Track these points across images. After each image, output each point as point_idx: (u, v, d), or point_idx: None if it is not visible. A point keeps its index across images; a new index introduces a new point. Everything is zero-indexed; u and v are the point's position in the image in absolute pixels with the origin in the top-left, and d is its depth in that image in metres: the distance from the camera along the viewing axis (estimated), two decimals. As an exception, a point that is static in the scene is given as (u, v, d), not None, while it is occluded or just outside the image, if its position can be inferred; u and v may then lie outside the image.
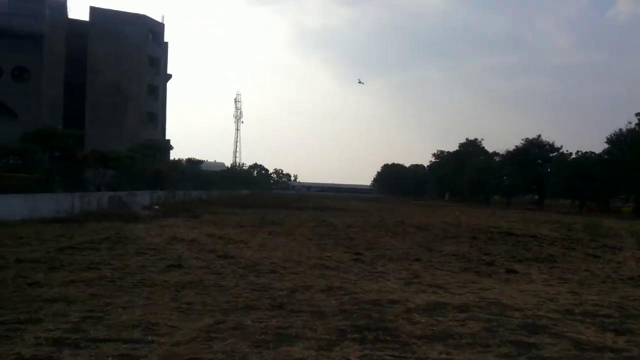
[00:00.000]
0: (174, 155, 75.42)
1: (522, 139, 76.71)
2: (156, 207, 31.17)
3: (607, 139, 56.61)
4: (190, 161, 64.37)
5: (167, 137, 76.23)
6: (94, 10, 61.97)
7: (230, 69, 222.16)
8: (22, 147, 21.97)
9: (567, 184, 63.28)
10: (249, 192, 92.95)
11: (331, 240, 16.26)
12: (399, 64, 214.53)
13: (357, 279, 9.38)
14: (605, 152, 58.56)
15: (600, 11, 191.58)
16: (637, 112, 49.49)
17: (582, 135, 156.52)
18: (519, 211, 53.10)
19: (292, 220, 24.98)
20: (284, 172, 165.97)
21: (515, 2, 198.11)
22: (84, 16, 61.75)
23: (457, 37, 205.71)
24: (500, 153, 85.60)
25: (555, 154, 73.65)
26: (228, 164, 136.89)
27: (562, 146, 73.18)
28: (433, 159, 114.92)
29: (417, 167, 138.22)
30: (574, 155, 68.23)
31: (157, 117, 69.42)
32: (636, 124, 50.73)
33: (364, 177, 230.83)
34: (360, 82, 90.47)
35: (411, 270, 10.71)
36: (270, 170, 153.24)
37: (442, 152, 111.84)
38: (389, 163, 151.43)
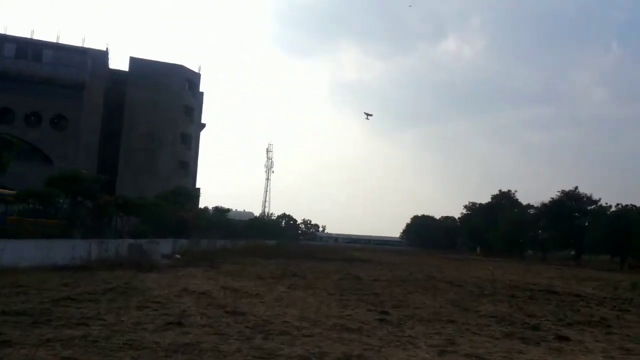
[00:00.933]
0: (203, 203, 75.45)
1: (558, 191, 74.25)
2: (177, 255, 30.34)
3: (650, 191, 54.01)
4: (217, 210, 63.98)
5: (197, 186, 76.64)
6: (133, 61, 63.92)
7: (264, 119, 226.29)
8: (43, 190, 21.63)
9: (607, 238, 60.21)
10: (276, 242, 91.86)
11: (355, 295, 14.91)
12: (431, 116, 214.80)
13: (381, 344, 8.09)
14: (648, 205, 55.82)
15: (635, 64, 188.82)
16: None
17: (620, 189, 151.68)
18: (556, 267, 50.33)
19: (316, 272, 23.69)
20: (312, 222, 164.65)
21: (549, 55, 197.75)
22: (124, 65, 63.65)
23: (490, 89, 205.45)
24: (535, 205, 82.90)
25: (593, 206, 70.75)
26: (257, 213, 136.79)
27: (600, 199, 70.44)
28: (464, 211, 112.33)
29: (447, 219, 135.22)
30: (613, 209, 65.31)
31: (189, 165, 69.97)
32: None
33: (393, 228, 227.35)
34: (367, 116, 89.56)
35: (445, 335, 9.34)
36: (299, 221, 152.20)
37: (474, 204, 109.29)
38: (419, 215, 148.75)
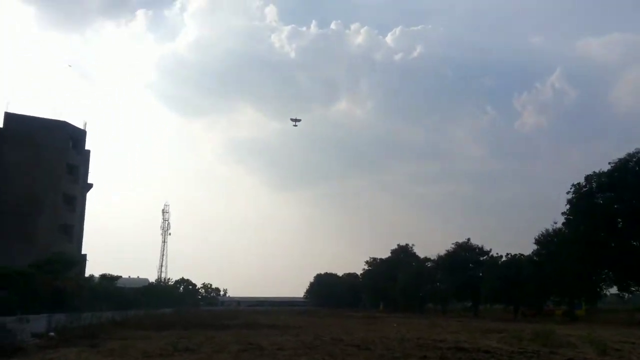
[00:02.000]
0: (91, 271, 68.81)
1: (453, 243, 77.24)
2: (52, 334, 26.33)
3: (536, 239, 57.57)
4: (104, 278, 58.44)
5: (83, 252, 70.18)
6: (9, 117, 58.58)
7: (159, 179, 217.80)
8: None
9: (500, 288, 62.92)
10: (174, 309, 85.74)
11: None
12: (327, 174, 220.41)
13: None
14: (534, 253, 59.31)
15: (506, 123, 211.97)
16: (562, 211, 50.81)
17: (508, 238, 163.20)
18: (457, 320, 51.22)
19: (213, 343, 21.37)
20: (213, 286, 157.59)
21: (431, 114, 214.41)
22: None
23: (381, 147, 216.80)
24: (432, 258, 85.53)
25: (485, 257, 74.19)
26: (153, 279, 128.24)
27: (491, 249, 74.13)
28: (366, 267, 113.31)
29: (350, 276, 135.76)
30: (504, 258, 68.87)
31: (72, 229, 64.02)
32: (563, 223, 51.96)
33: (297, 288, 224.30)
34: (295, 122, 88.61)
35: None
36: (198, 285, 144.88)
37: (374, 259, 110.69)
38: (322, 273, 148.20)
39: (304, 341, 22.38)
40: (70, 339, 23.44)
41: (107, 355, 17.02)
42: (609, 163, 47.66)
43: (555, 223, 55.09)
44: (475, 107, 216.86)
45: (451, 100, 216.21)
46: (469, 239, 76.35)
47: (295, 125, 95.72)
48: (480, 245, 75.04)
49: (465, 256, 75.20)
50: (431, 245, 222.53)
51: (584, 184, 49.53)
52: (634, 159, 46.42)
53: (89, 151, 69.00)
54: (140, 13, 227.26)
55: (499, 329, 31.00)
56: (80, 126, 65.01)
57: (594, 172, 48.90)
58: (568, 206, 50.33)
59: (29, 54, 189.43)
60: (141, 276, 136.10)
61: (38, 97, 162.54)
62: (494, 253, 73.27)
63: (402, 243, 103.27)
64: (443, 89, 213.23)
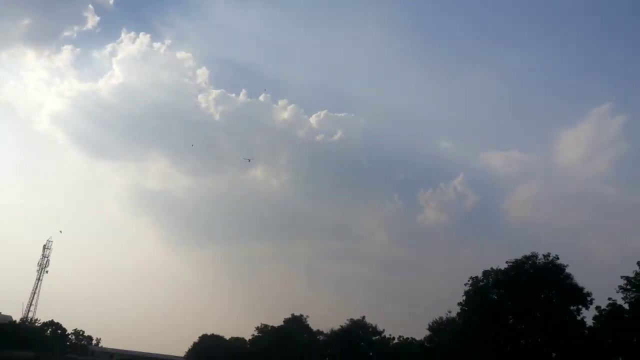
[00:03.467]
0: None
1: (347, 319, 76.16)
2: None
3: (429, 325, 57.91)
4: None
5: None
6: None
7: (45, 212, 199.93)
8: None
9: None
10: (34, 354, 76.03)
11: None
12: (229, 236, 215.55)
13: None
14: (426, 339, 59.42)
15: (410, 214, 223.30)
16: (458, 302, 51.64)
17: (402, 321, 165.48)
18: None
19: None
20: (86, 333, 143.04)
21: (344, 197, 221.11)
22: None
23: (291, 218, 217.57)
24: (325, 332, 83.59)
25: (377, 337, 73.57)
26: (17, 317, 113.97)
27: (384, 330, 73.77)
28: (256, 333, 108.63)
29: (237, 340, 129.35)
30: (396, 340, 68.54)
31: None
32: (458, 313, 52.63)
33: (179, 346, 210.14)
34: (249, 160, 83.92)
35: None
36: (69, 331, 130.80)
37: (265, 325, 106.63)
38: (208, 334, 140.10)
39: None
40: None
41: None
42: (507, 262, 49.69)
43: (449, 312, 56.09)
44: (384, 195, 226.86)
45: (363, 186, 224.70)
46: (363, 317, 75.92)
47: (249, 161, 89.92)
48: (374, 325, 74.70)
49: (358, 334, 74.18)
50: (325, 319, 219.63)
51: (481, 277, 51.04)
52: (529, 262, 48.82)
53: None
54: (67, 48, 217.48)
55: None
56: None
57: (492, 268, 50.69)
58: (464, 297, 51.30)
59: None
60: (4, 312, 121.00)
61: None
62: (386, 334, 72.97)
63: (297, 314, 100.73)
64: (357, 174, 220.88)
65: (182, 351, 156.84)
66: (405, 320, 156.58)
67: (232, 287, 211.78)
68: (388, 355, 63.89)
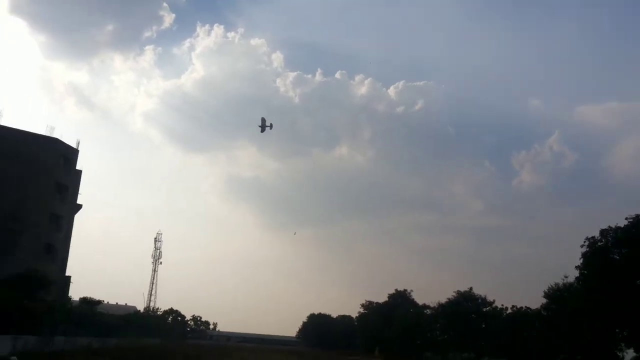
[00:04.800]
0: (75, 294, 65.31)
1: (454, 292, 73.61)
2: (13, 357, 23.34)
3: (545, 293, 54.18)
4: (85, 301, 54.91)
5: (68, 274, 66.92)
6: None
7: (152, 208, 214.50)
8: None
9: (504, 341, 59.08)
10: (159, 341, 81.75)
11: None
12: (325, 217, 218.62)
13: None
14: (543, 307, 55.79)
15: (502, 180, 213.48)
16: (575, 264, 47.59)
17: (509, 291, 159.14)
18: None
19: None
20: (203, 319, 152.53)
21: (432, 166, 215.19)
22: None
23: (381, 194, 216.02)
24: (431, 306, 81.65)
25: (488, 308, 70.44)
26: (141, 307, 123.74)
27: (494, 300, 70.39)
28: (361, 310, 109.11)
29: (344, 318, 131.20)
30: (509, 310, 65.13)
31: (56, 249, 61.00)
32: (576, 278, 48.64)
33: (289, 327, 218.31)
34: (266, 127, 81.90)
35: None
36: (188, 317, 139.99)
37: (370, 302, 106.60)
38: (315, 313, 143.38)
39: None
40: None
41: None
42: (626, 218, 44.83)
43: (566, 277, 51.92)
44: (474, 162, 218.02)
45: (450, 155, 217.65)
46: (471, 288, 72.74)
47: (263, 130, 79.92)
48: (483, 295, 71.43)
49: (467, 306, 71.43)
50: (430, 293, 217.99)
51: (598, 237, 46.58)
52: (653, 216, 43.70)
53: (80, 171, 66.55)
54: (149, 49, 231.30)
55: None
56: (73, 145, 62.68)
57: (610, 226, 46.05)
58: (581, 260, 47.20)
59: (30, 75, 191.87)
60: (129, 303, 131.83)
61: (35, 116, 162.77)
62: (497, 305, 69.55)
63: (400, 288, 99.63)
64: (443, 142, 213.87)
65: (292, 332, 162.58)
66: (514, 289, 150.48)
67: (333, 265, 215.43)
68: (503, 326, 60.84)
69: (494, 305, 69.80)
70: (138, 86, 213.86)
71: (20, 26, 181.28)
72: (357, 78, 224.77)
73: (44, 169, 57.53)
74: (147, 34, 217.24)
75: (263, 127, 57.39)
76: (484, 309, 70.15)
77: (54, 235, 59.37)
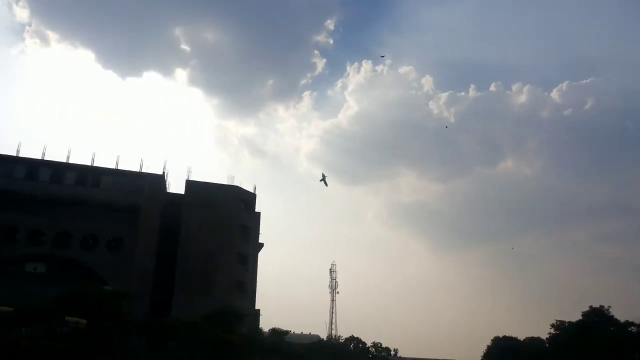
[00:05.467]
0: (263, 326, 71.06)
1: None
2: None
3: None
4: (274, 331, 59.46)
5: (257, 307, 73.04)
6: (189, 183, 64.73)
7: (324, 242, 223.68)
8: (44, 308, 19.04)
9: None
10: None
11: None
12: (496, 233, 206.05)
13: None
14: None
15: None
16: None
17: None
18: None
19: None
20: (383, 345, 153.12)
21: (613, 168, 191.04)
22: (181, 189, 64.36)
23: (555, 205, 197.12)
24: (636, 322, 71.92)
25: None
26: (322, 335, 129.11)
27: None
28: (552, 331, 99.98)
29: (533, 340, 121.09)
30: None
31: (246, 285, 67.25)
32: None
33: (470, 351, 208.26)
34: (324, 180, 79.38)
35: None
36: (368, 344, 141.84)
37: (562, 322, 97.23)
38: (500, 336, 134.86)
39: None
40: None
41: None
42: None
43: None
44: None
45: (632, 153, 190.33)
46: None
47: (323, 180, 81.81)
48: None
49: (682, 319, 61.72)
50: (633, 309, 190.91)
51: None
52: None
53: (259, 213, 72.94)
54: (306, 95, 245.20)
55: None
56: (251, 190, 69.21)
57: None
58: None
59: (209, 134, 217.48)
60: (312, 332, 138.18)
61: (215, 169, 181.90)
62: None
63: (595, 305, 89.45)
64: (622, 141, 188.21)
65: (476, 356, 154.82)
66: None
67: (513, 285, 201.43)
68: None
69: None
70: (300, 130, 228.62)
71: (197, 94, 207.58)
72: (514, 87, 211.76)
73: (229, 215, 64.26)
74: (303, 81, 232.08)
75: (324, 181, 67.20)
76: None
77: (243, 273, 65.50)
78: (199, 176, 65.79)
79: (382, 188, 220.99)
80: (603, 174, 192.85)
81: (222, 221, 63.48)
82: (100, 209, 56.50)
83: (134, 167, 61.55)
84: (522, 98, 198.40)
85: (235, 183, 67.37)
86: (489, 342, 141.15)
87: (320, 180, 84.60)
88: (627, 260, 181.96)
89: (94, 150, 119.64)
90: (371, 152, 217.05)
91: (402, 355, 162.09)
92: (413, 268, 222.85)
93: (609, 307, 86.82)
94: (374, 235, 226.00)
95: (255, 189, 69.67)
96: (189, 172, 66.00)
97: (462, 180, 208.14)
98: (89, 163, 59.18)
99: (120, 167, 60.39)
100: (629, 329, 74.28)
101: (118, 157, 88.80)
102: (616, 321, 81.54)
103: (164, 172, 61.98)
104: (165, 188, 63.59)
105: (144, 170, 60.63)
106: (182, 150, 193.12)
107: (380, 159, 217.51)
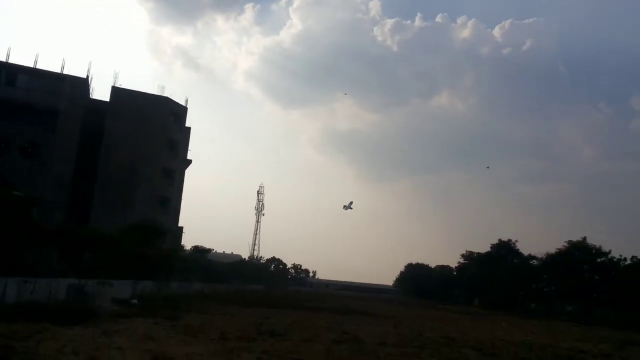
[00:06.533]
0: (186, 243, 69.92)
1: (565, 242, 69.37)
2: (134, 301, 25.17)
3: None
4: (196, 249, 58.54)
5: (180, 225, 71.47)
6: (115, 90, 59.75)
7: (254, 161, 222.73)
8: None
9: (625, 293, 55.13)
10: (263, 287, 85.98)
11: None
12: (423, 166, 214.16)
13: None
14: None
15: (622, 122, 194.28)
16: None
17: (631, 241, 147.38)
18: (573, 325, 45.03)
19: (303, 328, 18.55)
20: (303, 267, 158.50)
21: (540, 112, 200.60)
22: (106, 95, 59.48)
23: (483, 142, 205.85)
24: (538, 257, 77.68)
25: (603, 258, 65.80)
26: (245, 256, 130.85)
27: (610, 251, 65.48)
28: (461, 260, 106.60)
29: (443, 269, 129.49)
30: (628, 261, 60.39)
31: (170, 202, 64.87)
32: None
33: (386, 276, 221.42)
34: (348, 207, 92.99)
35: None
36: (289, 265, 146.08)
37: (471, 252, 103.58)
38: (413, 263, 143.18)
39: (406, 335, 18.96)
40: (151, 308, 21.83)
41: (181, 331, 14.70)
42: None
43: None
44: (588, 104, 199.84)
45: (562, 97, 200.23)
46: (584, 238, 68.03)
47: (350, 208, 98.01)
48: (597, 246, 66.59)
49: (579, 256, 67.18)
50: (537, 244, 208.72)
51: None
52: None
53: (189, 128, 69.41)
54: (248, 7, 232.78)
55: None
56: (182, 103, 65.23)
57: None
58: None
59: (141, 40, 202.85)
60: (235, 252, 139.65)
61: (145, 78, 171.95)
62: (614, 255, 64.63)
63: (504, 239, 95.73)
64: (553, 84, 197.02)
65: (390, 281, 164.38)
66: (635, 239, 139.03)
67: (432, 216, 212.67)
68: (620, 278, 56.74)
69: (610, 256, 65.16)
70: (239, 45, 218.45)
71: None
72: (460, 20, 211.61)
73: (157, 126, 60.55)
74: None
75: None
76: (598, 260, 65.72)
77: (167, 189, 62.94)
78: (126, 84, 60.96)
79: (319, 113, 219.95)
80: (532, 115, 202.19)
81: (148, 133, 59.64)
82: (15, 110, 50.85)
83: (54, 68, 55.36)
84: (466, 33, 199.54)
85: (166, 94, 63.05)
86: (402, 269, 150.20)
87: (345, 208, 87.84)
88: (539, 199, 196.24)
89: (9, 45, 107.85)
90: (311, 75, 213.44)
91: (319, 277, 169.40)
92: (341, 194, 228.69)
93: (516, 241, 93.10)
94: (305, 160, 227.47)
95: (187, 102, 65.73)
96: (115, 78, 60.69)
97: (397, 110, 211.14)
98: (3, 59, 52.36)
99: (39, 67, 54.00)
100: (531, 262, 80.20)
101: (37, 55, 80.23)
102: (520, 254, 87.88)
103: (88, 76, 56.28)
104: (89, 93, 58.22)
105: (65, 72, 54.65)
106: (109, 54, 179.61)
107: (319, 83, 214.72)
